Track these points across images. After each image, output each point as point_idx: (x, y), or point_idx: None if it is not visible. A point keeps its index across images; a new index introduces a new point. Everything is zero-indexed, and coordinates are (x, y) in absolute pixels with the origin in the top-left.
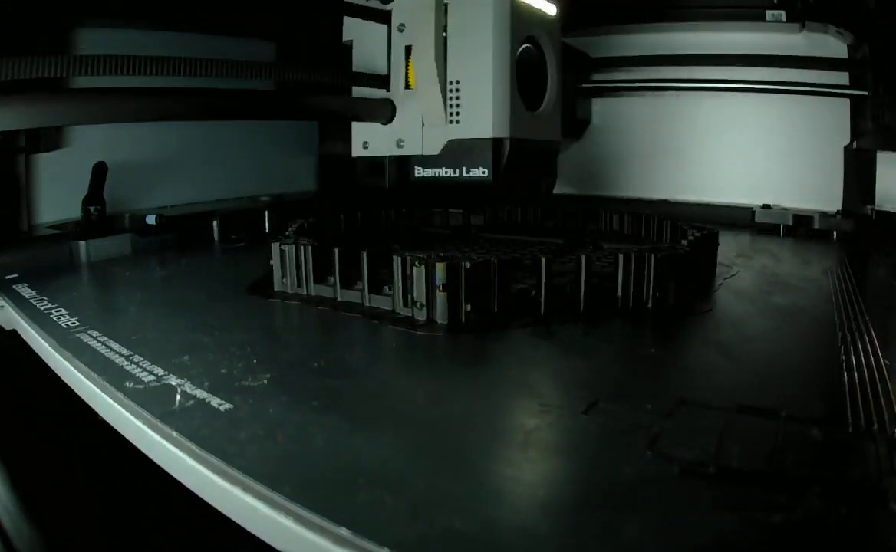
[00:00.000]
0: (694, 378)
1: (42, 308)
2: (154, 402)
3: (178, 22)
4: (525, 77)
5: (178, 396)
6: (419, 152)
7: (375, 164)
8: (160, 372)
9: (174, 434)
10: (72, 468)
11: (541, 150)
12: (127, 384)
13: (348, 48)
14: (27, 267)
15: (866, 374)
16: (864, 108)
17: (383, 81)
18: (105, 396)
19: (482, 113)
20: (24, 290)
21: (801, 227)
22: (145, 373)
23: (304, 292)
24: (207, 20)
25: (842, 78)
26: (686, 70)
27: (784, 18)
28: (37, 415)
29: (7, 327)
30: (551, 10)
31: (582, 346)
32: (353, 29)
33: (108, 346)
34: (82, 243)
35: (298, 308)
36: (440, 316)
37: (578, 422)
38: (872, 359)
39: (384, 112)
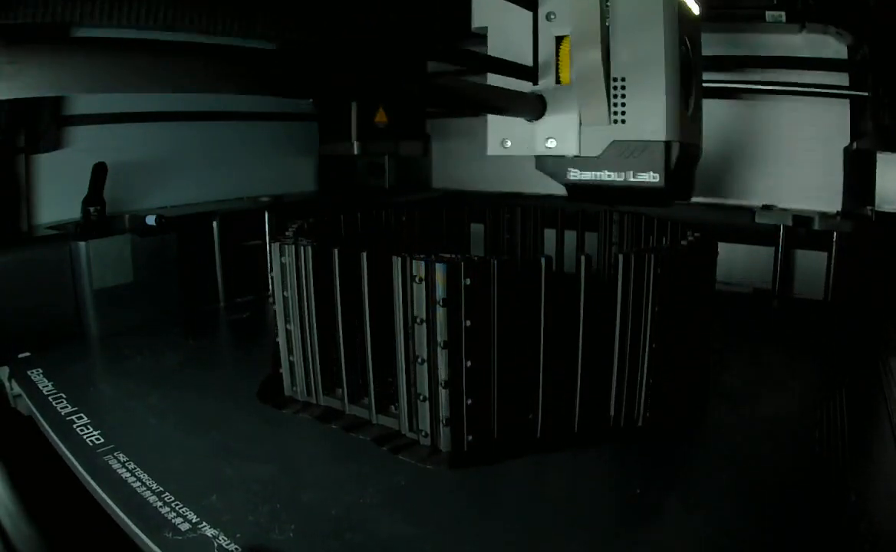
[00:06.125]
0: (671, 531)
1: (62, 411)
2: None
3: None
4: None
5: None
6: (575, 153)
7: (375, 164)
8: (193, 517)
9: None
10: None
11: (692, 155)
12: (166, 534)
13: (482, 36)
14: (36, 339)
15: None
16: (864, 108)
17: (530, 74)
18: (146, 539)
19: (653, 114)
20: (40, 380)
21: (800, 228)
22: (179, 519)
23: (314, 401)
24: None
25: (842, 79)
26: None
27: (784, 19)
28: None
29: (25, 413)
30: (696, 9)
31: (574, 487)
32: (487, 14)
33: (136, 477)
34: (82, 244)
35: (309, 427)
36: (444, 444)
37: None
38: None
39: (534, 107)
